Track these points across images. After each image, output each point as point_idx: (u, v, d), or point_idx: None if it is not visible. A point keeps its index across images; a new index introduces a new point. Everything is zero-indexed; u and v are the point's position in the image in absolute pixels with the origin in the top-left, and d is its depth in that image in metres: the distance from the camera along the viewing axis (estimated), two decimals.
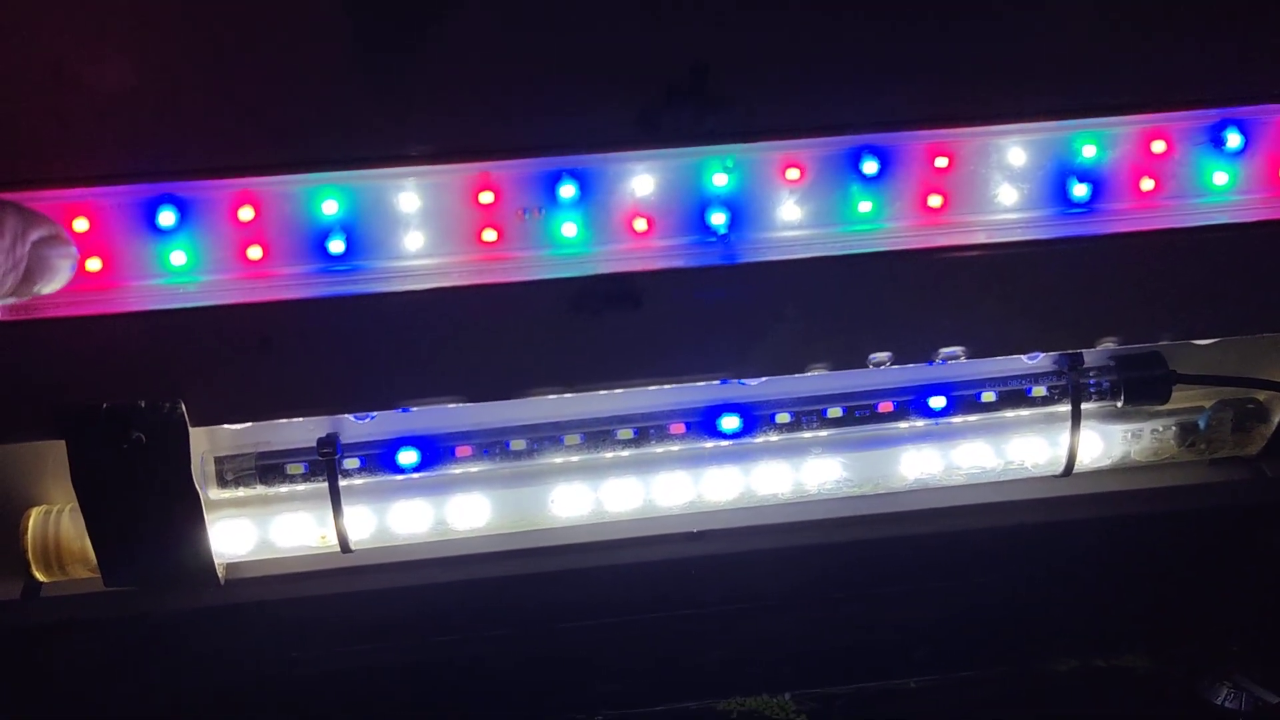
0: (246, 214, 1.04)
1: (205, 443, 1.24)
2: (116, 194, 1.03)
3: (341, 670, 1.37)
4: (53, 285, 0.96)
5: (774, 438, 1.30)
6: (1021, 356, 1.25)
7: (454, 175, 1.05)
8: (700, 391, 1.28)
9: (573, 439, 1.27)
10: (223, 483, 1.25)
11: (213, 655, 1.34)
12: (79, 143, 1.00)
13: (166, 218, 1.03)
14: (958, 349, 1.17)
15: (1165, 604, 1.48)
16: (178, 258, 1.05)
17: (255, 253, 1.05)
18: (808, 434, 1.30)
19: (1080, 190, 1.11)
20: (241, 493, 1.25)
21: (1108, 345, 1.20)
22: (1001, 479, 1.34)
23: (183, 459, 1.12)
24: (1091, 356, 1.31)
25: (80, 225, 1.03)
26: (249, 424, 1.19)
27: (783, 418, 1.29)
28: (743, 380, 1.22)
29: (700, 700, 1.46)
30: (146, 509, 1.16)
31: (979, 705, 1.44)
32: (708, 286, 1.11)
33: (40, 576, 1.27)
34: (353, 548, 1.27)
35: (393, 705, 1.41)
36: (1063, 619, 1.48)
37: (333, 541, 1.26)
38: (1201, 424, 1.34)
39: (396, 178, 1.04)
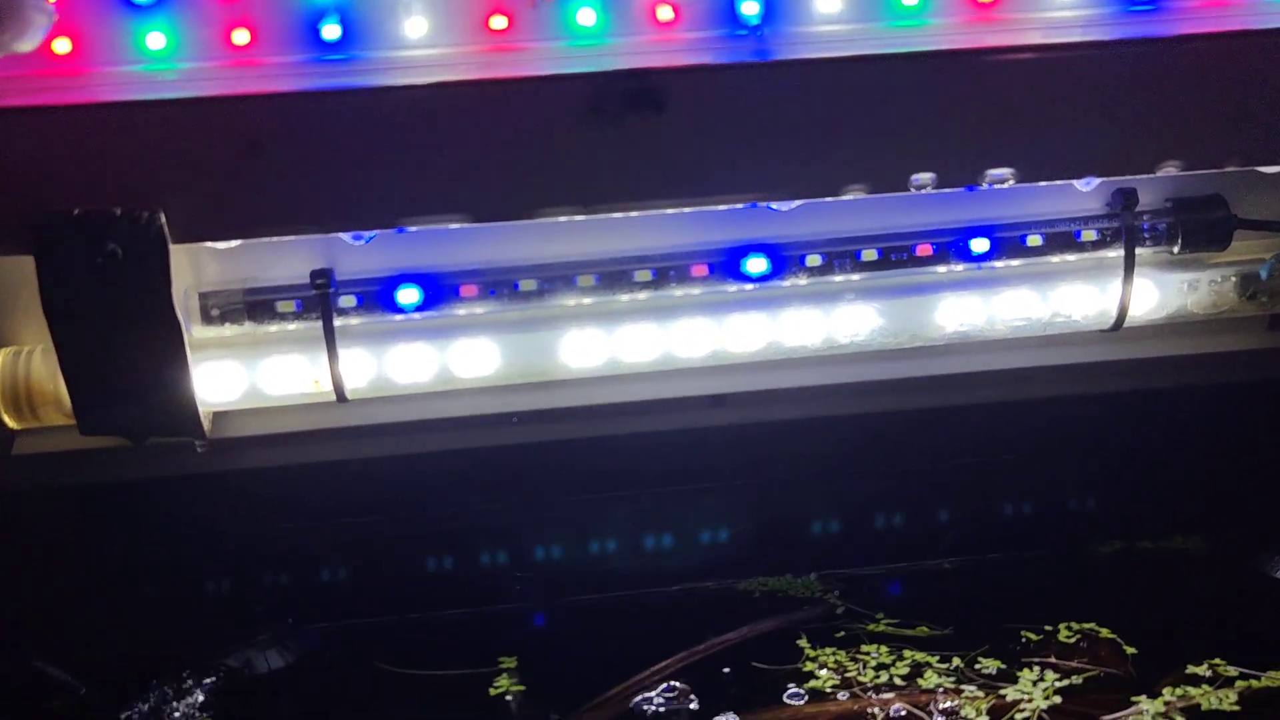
0: None
1: (189, 277, 1.15)
2: None
3: (337, 543, 1.27)
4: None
5: (804, 282, 1.20)
6: (1075, 183, 1.15)
7: None
8: (725, 229, 1.18)
9: (586, 280, 1.18)
10: (208, 319, 1.15)
11: (198, 524, 1.25)
12: None
13: None
14: (1006, 170, 1.08)
15: (1220, 481, 1.39)
16: (155, 40, 0.96)
17: (242, 36, 0.96)
18: (840, 278, 1.21)
19: None
20: (229, 331, 1.16)
21: (1170, 170, 1.10)
22: (1047, 332, 1.24)
23: (163, 277, 1.02)
24: (1147, 197, 1.21)
25: None
26: (235, 246, 1.10)
27: (813, 260, 1.20)
28: (772, 205, 1.13)
29: (720, 580, 1.36)
30: (124, 341, 1.06)
31: (1020, 585, 1.34)
32: (738, 88, 1.01)
33: (11, 423, 1.17)
34: (349, 396, 1.17)
35: (389, 582, 1.31)
36: (1109, 498, 1.39)
37: (327, 388, 1.17)
38: (1263, 274, 1.24)
39: None
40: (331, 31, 0.96)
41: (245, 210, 1.02)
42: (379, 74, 0.98)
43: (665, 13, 0.98)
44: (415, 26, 0.97)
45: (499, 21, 0.97)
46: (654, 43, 0.99)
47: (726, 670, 1.13)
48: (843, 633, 1.26)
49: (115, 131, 0.96)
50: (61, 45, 0.94)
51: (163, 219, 1.00)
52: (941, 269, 1.21)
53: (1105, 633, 1.21)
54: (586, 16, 0.98)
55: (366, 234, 1.09)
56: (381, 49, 0.98)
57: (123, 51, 0.95)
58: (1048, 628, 1.23)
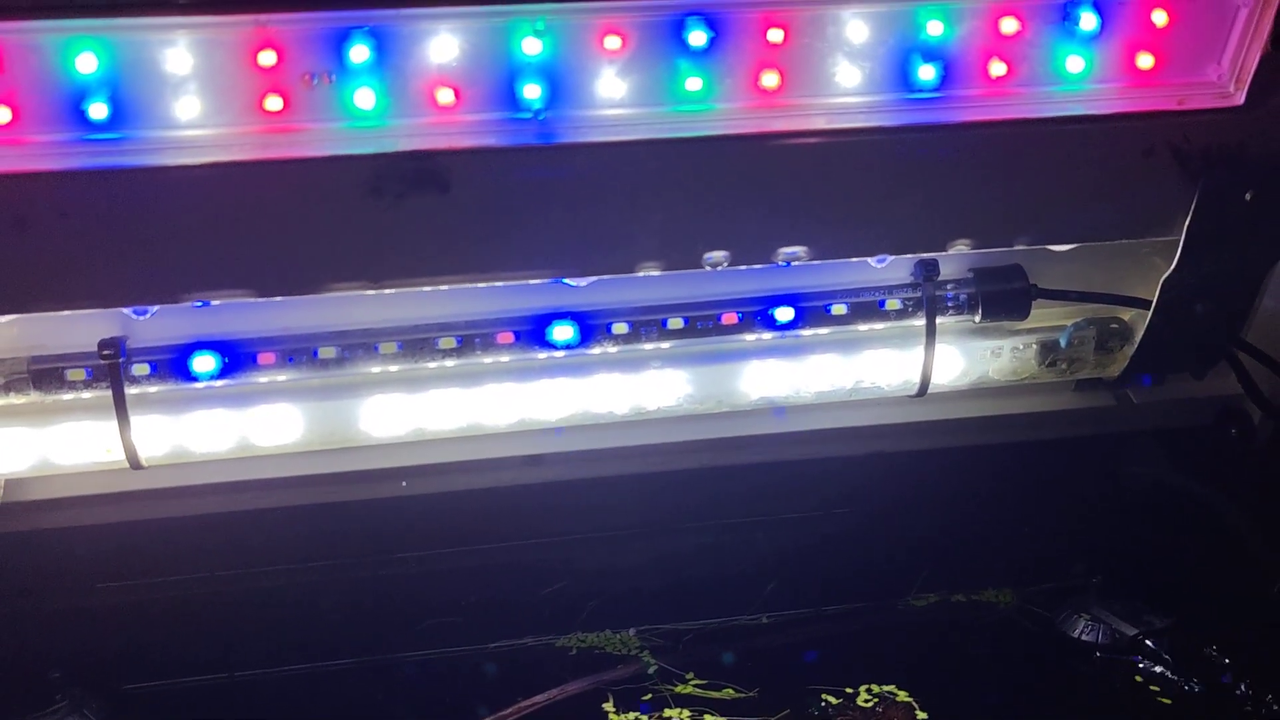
0: None
1: None
2: None
3: (130, 604, 1.25)
4: None
5: (611, 349, 1.20)
6: (869, 260, 1.16)
7: (228, 30, 0.93)
8: (531, 297, 1.18)
9: (389, 347, 1.17)
10: None
11: None
12: None
13: None
14: (799, 249, 1.09)
15: (1026, 536, 1.42)
16: None
17: (2, 114, 0.93)
18: (648, 346, 1.21)
19: (927, 73, 1.03)
20: (16, 399, 1.13)
21: (961, 249, 1.13)
22: (852, 399, 1.26)
23: None
24: (949, 268, 1.23)
25: None
26: (15, 321, 1.07)
27: (620, 328, 1.20)
28: (569, 281, 1.13)
29: (538, 637, 1.36)
30: None
31: (832, 641, 1.36)
32: (522, 169, 1.01)
33: None
34: (144, 464, 1.15)
35: (195, 644, 1.30)
36: (921, 552, 1.41)
37: (120, 456, 1.14)
38: (1063, 342, 1.27)
39: (163, 30, 0.93)
40: (98, 110, 0.94)
41: (17, 287, 1.00)
42: (150, 154, 0.96)
43: (446, 95, 0.97)
44: (187, 107, 0.95)
45: (274, 102, 0.95)
46: (435, 125, 0.98)
47: None
48: (650, 695, 1.27)
49: None
50: None
51: None
52: (748, 337, 1.22)
53: (903, 696, 1.24)
54: (365, 98, 0.96)
55: (149, 308, 1.07)
56: (152, 129, 0.95)
57: None
58: (849, 690, 1.25)
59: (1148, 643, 1.28)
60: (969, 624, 1.38)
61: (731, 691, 1.26)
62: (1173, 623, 1.29)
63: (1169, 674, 1.25)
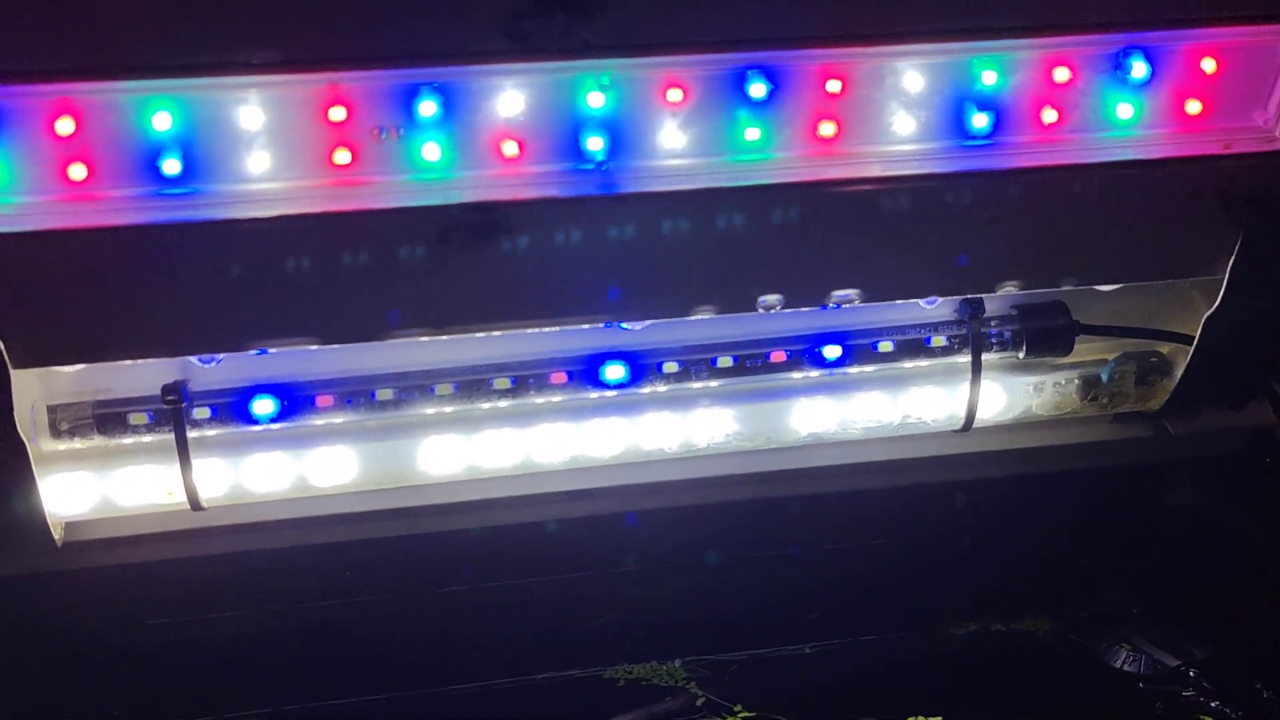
0: (66, 126, 0.94)
1: (37, 389, 1.13)
2: None
3: (191, 641, 1.26)
4: None
5: (661, 388, 1.22)
6: (919, 301, 1.18)
7: (301, 87, 0.95)
8: (583, 339, 1.20)
9: (445, 389, 1.18)
10: (57, 433, 1.14)
11: (49, 625, 1.23)
12: None
13: None
14: (852, 292, 1.11)
15: (1066, 566, 1.44)
16: None
17: (79, 172, 0.95)
18: (697, 384, 1.23)
19: (980, 120, 1.05)
20: (79, 444, 1.15)
21: (1009, 290, 1.15)
22: (899, 434, 1.28)
23: (3, 403, 1.01)
24: (993, 305, 1.25)
25: None
26: (85, 368, 1.09)
27: (670, 367, 1.21)
28: (624, 324, 1.14)
29: (586, 668, 1.38)
30: None
31: (876, 671, 1.38)
32: (585, 219, 1.03)
33: None
34: (204, 505, 1.17)
35: (248, 678, 1.31)
36: (961, 581, 1.43)
37: (181, 499, 1.16)
38: (1104, 377, 1.29)
39: (236, 89, 0.95)
40: (172, 166, 0.95)
41: (88, 337, 1.01)
42: (221, 207, 0.98)
43: (511, 148, 0.99)
44: (258, 162, 0.97)
45: (343, 156, 0.97)
46: (499, 176, 1.00)
47: None
48: None
49: None
50: None
51: (1, 347, 0.98)
52: (796, 375, 1.24)
53: None
54: (432, 151, 0.98)
55: (215, 356, 1.09)
56: (224, 183, 0.97)
57: None
58: None
59: (1190, 673, 1.29)
60: (1010, 653, 1.40)
61: None
62: (1214, 653, 1.31)
63: (1213, 704, 1.26)
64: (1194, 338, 1.22)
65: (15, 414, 1.01)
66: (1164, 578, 1.40)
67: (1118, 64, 1.05)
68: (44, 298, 0.98)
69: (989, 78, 1.03)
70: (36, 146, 0.94)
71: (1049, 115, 1.06)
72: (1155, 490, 1.42)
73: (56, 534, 1.14)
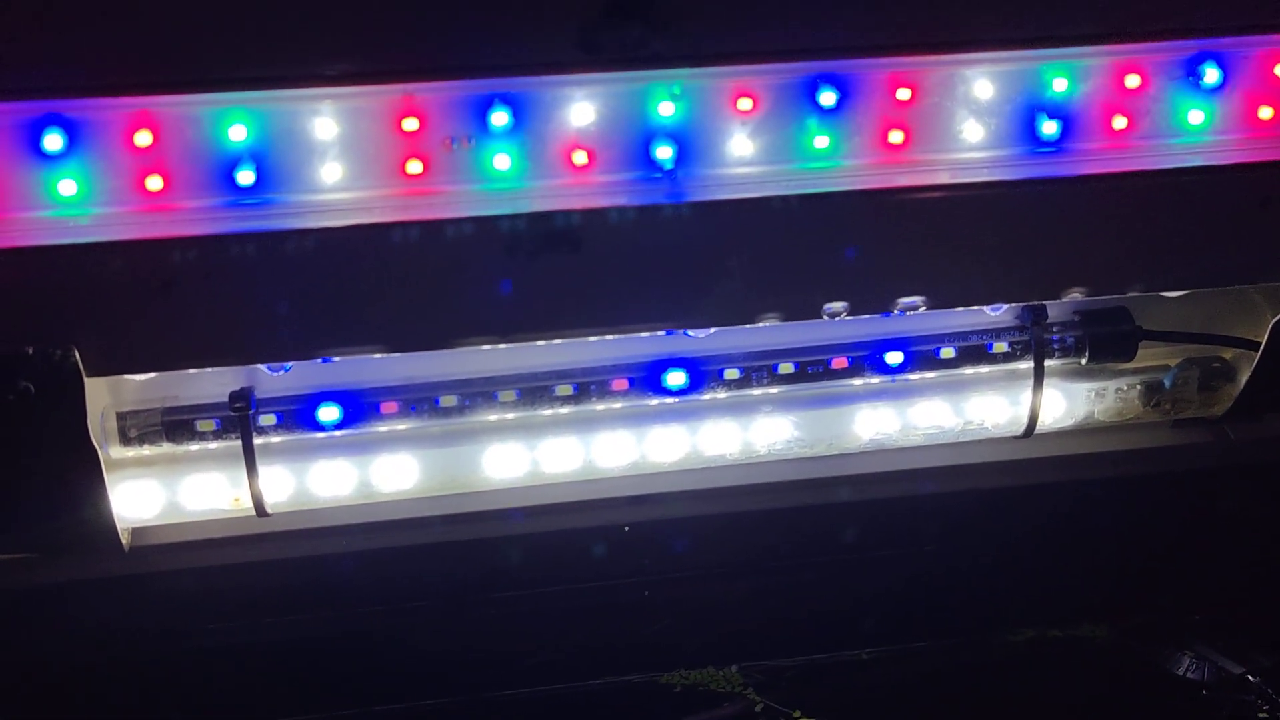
0: (144, 139, 0.95)
1: (106, 397, 1.14)
2: None
3: (256, 644, 1.27)
4: None
5: (722, 395, 1.22)
6: (984, 308, 1.18)
7: (374, 98, 0.96)
8: (644, 345, 1.20)
9: (508, 395, 1.19)
10: (126, 440, 1.15)
11: (117, 628, 1.24)
12: None
13: (53, 141, 0.93)
14: (918, 299, 1.10)
15: (1126, 572, 1.43)
16: (67, 187, 0.95)
17: (155, 183, 0.96)
18: (758, 391, 1.23)
19: (1050, 128, 1.04)
20: (147, 451, 1.16)
21: (1074, 296, 1.14)
22: (960, 440, 1.27)
23: (77, 412, 1.02)
24: (1055, 311, 1.25)
25: None
26: (153, 375, 1.10)
27: (731, 374, 1.22)
28: (689, 332, 1.14)
29: (643, 673, 1.38)
30: (39, 467, 1.06)
31: (932, 677, 1.37)
32: (652, 227, 1.03)
33: None
34: (269, 511, 1.18)
35: (311, 682, 1.32)
36: (1020, 587, 1.42)
37: (247, 504, 1.17)
38: (1167, 383, 1.28)
39: (311, 100, 0.95)
40: (246, 177, 0.96)
41: (161, 346, 1.02)
42: (294, 217, 0.98)
43: (580, 157, 1.00)
44: (330, 172, 0.97)
45: (415, 166, 0.98)
46: (569, 185, 1.01)
47: None
48: None
49: (28, 275, 0.96)
50: None
51: (76, 355, 0.99)
52: (857, 381, 1.24)
53: None
54: (503, 161, 0.99)
55: (284, 365, 1.10)
56: (296, 193, 0.98)
57: (34, 198, 0.95)
58: None
59: (1256, 680, 1.28)
60: (1069, 660, 1.39)
61: None
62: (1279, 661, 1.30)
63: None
64: (1259, 343, 1.21)
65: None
66: (1225, 584, 1.39)
67: (1190, 70, 1.04)
68: (119, 307, 0.99)
69: (1059, 85, 1.03)
70: (115, 158, 0.95)
71: (1119, 122, 1.05)
72: (1217, 495, 1.41)
73: (124, 539, 1.15)
